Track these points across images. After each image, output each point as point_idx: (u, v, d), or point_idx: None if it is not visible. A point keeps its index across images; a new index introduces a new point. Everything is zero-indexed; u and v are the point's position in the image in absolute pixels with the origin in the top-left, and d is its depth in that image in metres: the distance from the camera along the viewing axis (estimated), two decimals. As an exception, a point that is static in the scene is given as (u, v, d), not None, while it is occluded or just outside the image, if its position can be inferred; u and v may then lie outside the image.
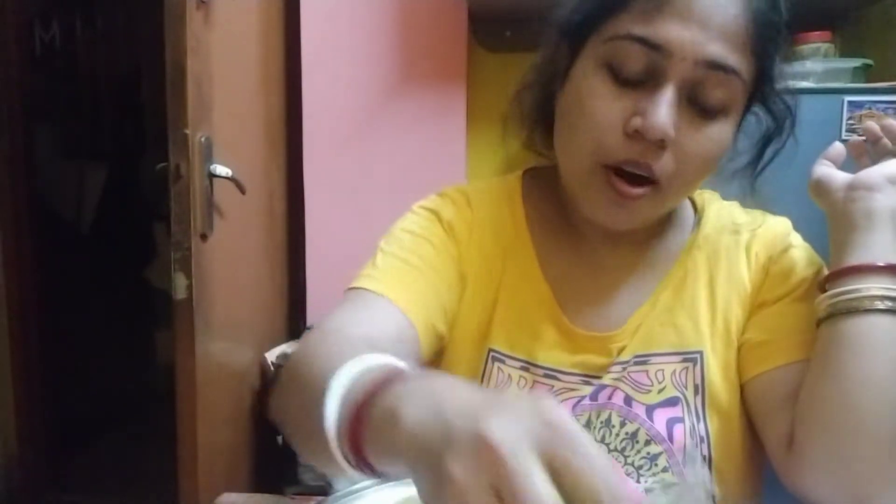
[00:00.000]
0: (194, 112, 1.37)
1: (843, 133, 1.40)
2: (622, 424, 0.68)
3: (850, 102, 1.40)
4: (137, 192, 3.14)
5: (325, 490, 1.63)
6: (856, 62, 1.52)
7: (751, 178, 0.70)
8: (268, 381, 1.83)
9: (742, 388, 0.69)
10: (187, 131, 1.35)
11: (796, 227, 0.74)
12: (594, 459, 0.30)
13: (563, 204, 0.73)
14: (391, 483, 0.58)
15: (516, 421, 0.30)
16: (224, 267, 1.56)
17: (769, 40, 0.60)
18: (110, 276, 3.02)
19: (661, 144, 0.59)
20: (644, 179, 0.61)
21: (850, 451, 0.59)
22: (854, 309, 0.60)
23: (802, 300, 0.68)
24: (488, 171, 1.97)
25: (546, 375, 0.69)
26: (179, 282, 1.39)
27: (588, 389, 0.69)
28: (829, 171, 0.67)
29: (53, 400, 2.52)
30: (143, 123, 3.27)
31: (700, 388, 0.69)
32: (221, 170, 1.46)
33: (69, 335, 2.66)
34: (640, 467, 0.67)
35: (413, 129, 1.98)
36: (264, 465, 1.85)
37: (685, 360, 0.69)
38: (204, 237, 1.44)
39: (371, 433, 0.38)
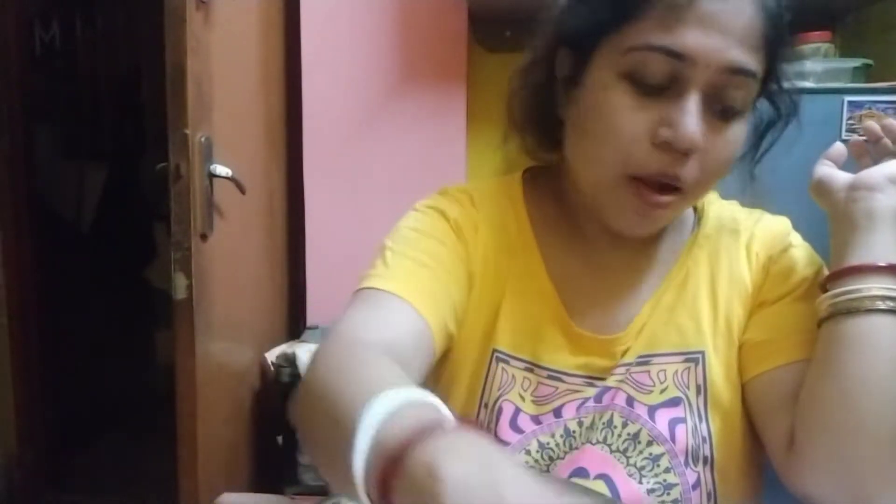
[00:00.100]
0: (194, 112, 1.37)
1: (843, 133, 1.40)
2: (624, 425, 0.68)
3: (850, 102, 1.40)
4: (137, 192, 3.14)
5: (325, 490, 1.63)
6: (856, 62, 1.52)
7: (750, 166, 0.70)
8: (268, 381, 1.83)
9: (742, 388, 0.69)
10: (187, 131, 1.35)
11: (796, 227, 0.74)
12: None
13: (566, 204, 0.73)
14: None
15: None
16: (224, 267, 1.56)
17: (779, 39, 0.60)
18: (110, 276, 3.02)
19: (688, 153, 0.59)
20: (670, 187, 0.61)
21: (851, 452, 0.59)
22: (855, 309, 0.60)
23: (803, 300, 0.68)
24: (488, 171, 1.97)
25: (550, 377, 0.69)
26: (179, 282, 1.39)
27: (592, 391, 0.69)
28: (830, 171, 0.67)
29: (53, 400, 2.52)
30: (143, 123, 3.27)
31: (702, 389, 0.68)
32: (221, 170, 1.46)
33: (69, 335, 2.66)
34: (643, 468, 0.67)
35: (413, 129, 1.98)
36: (264, 465, 1.85)
37: (687, 361, 0.69)
38: (204, 237, 1.44)
39: (405, 484, 0.37)
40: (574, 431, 0.68)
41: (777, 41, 0.60)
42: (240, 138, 1.70)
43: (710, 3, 0.56)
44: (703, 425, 0.68)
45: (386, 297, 0.63)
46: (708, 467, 0.67)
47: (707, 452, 0.67)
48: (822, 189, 0.67)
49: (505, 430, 0.68)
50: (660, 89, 0.58)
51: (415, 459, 0.36)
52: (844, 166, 0.68)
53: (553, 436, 0.68)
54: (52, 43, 2.88)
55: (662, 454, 0.67)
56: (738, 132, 0.61)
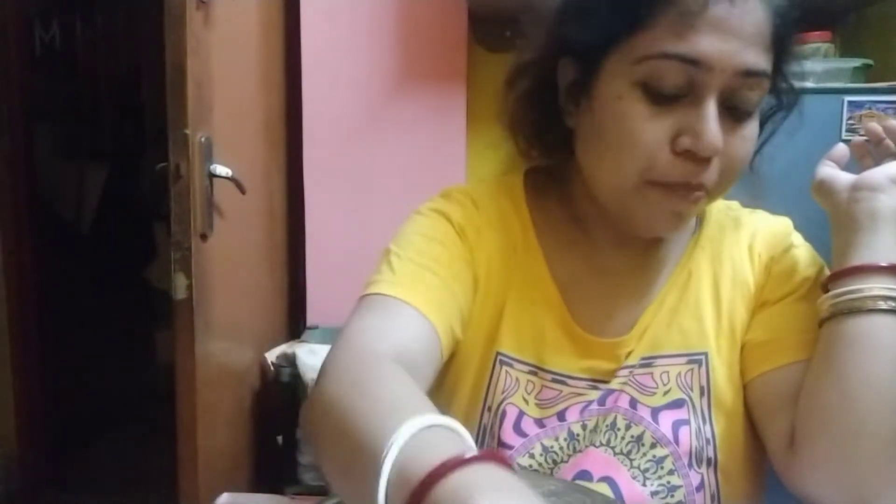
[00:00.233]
0: (194, 112, 1.37)
1: (843, 133, 1.40)
2: (627, 427, 0.68)
3: (850, 102, 1.41)
4: (137, 192, 3.14)
5: (324, 490, 1.63)
6: (856, 62, 1.52)
7: (751, 158, 0.70)
8: (268, 381, 1.83)
9: (744, 388, 0.69)
10: (187, 131, 1.35)
11: (796, 228, 0.74)
12: None
13: (570, 206, 0.73)
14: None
15: None
16: (224, 267, 1.56)
17: (787, 38, 0.60)
18: (110, 276, 3.02)
19: (710, 158, 0.59)
20: (694, 189, 0.61)
21: (851, 452, 0.59)
22: (856, 309, 0.60)
23: (804, 300, 0.68)
24: (488, 171, 1.96)
25: (554, 380, 0.69)
26: (179, 282, 1.39)
27: (596, 394, 0.69)
28: (832, 171, 0.67)
29: (53, 400, 2.52)
30: (143, 123, 3.27)
31: (705, 390, 0.68)
32: (221, 170, 1.46)
33: (69, 335, 2.66)
34: (646, 470, 0.66)
35: (413, 129, 1.98)
36: (264, 465, 1.85)
37: (690, 362, 0.69)
38: (204, 237, 1.44)
39: None
40: (578, 434, 0.68)
41: (785, 39, 0.60)
42: (240, 138, 1.70)
43: (720, 8, 0.56)
44: (707, 427, 0.67)
45: (393, 303, 0.63)
46: (712, 469, 0.67)
47: (711, 454, 0.67)
48: (824, 189, 0.67)
49: (508, 433, 0.68)
50: (675, 98, 0.58)
51: (444, 490, 0.36)
52: (846, 167, 0.68)
53: (557, 439, 0.68)
54: (52, 43, 2.88)
55: (666, 456, 0.67)
56: (752, 131, 0.62)
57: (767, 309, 0.70)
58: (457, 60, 1.95)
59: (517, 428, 0.68)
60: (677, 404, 0.68)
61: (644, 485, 0.66)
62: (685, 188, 0.60)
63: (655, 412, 0.68)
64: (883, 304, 0.60)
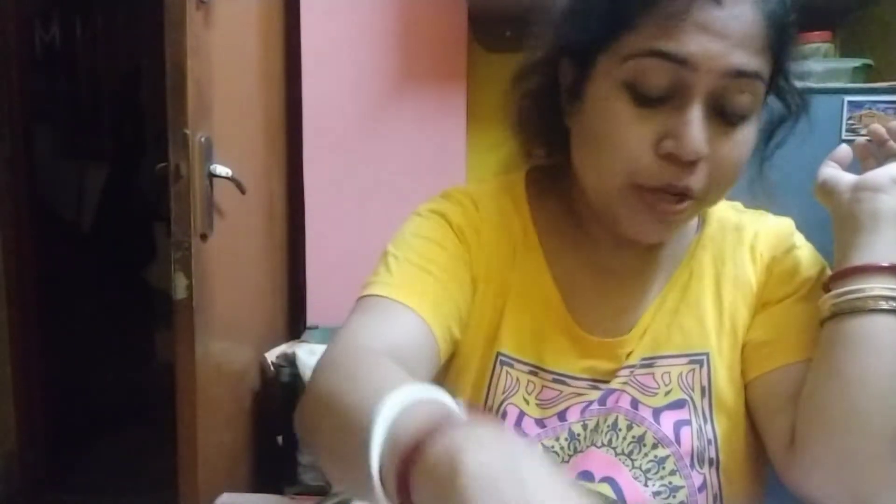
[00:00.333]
0: (194, 112, 1.37)
1: (844, 133, 1.40)
2: (629, 428, 0.68)
3: (850, 102, 1.40)
4: (137, 192, 3.15)
5: (324, 490, 1.63)
6: (856, 62, 1.51)
7: (758, 163, 0.69)
8: (268, 381, 1.83)
9: (745, 388, 0.69)
10: (187, 131, 1.35)
11: (797, 228, 0.74)
12: None
13: (571, 206, 0.73)
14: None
15: None
16: (224, 267, 1.56)
17: (783, 37, 0.60)
18: (110, 276, 3.02)
19: (694, 163, 0.58)
20: (681, 195, 0.60)
21: (852, 451, 0.59)
22: (857, 309, 0.60)
23: (806, 300, 0.68)
24: (488, 170, 1.96)
25: (555, 380, 0.69)
26: (179, 282, 1.39)
27: (596, 394, 0.69)
28: (835, 172, 0.67)
29: (53, 400, 2.52)
30: (143, 123, 3.27)
31: (707, 390, 0.68)
32: (221, 170, 1.46)
33: (69, 335, 2.66)
34: (648, 471, 0.66)
35: (413, 129, 1.98)
36: (264, 465, 1.85)
37: (692, 362, 0.69)
38: (204, 237, 1.44)
39: (424, 475, 0.37)
40: (579, 435, 0.68)
41: (782, 42, 0.60)
42: (240, 138, 1.70)
43: (707, 10, 0.56)
44: (709, 427, 0.67)
45: (390, 305, 0.63)
46: (714, 469, 0.67)
47: (713, 454, 0.67)
48: (826, 190, 0.67)
49: None
50: (662, 98, 0.58)
51: (434, 450, 0.36)
52: (849, 168, 0.68)
53: (558, 439, 0.68)
54: (52, 43, 2.88)
55: (668, 456, 0.67)
56: (746, 135, 0.61)
57: (769, 309, 0.70)
58: (457, 60, 1.95)
59: (518, 428, 0.68)
60: (679, 405, 0.68)
61: (646, 485, 0.66)
62: (671, 193, 0.60)
63: (657, 412, 0.68)
64: (884, 304, 0.60)
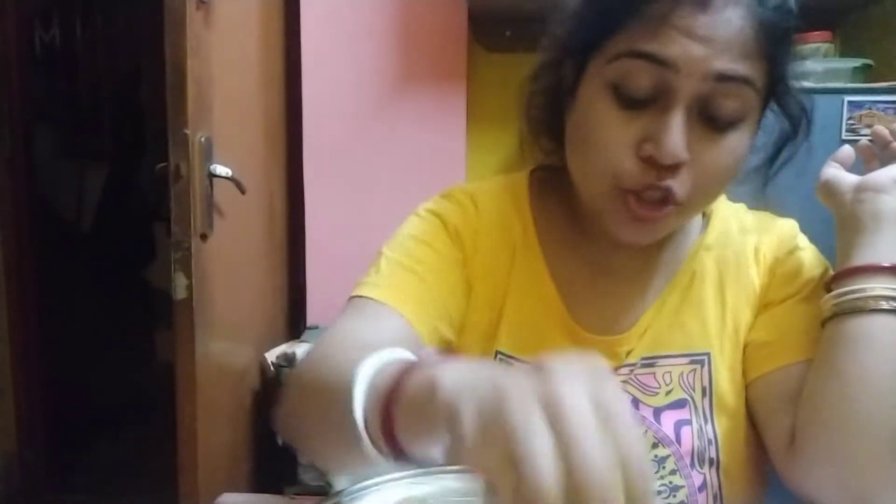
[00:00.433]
0: (194, 112, 1.37)
1: (844, 133, 1.40)
2: None
3: (850, 102, 1.40)
4: (137, 192, 3.15)
5: (325, 490, 1.63)
6: (856, 62, 1.52)
7: (763, 179, 0.69)
8: (268, 381, 1.83)
9: (746, 388, 0.69)
10: (187, 131, 1.35)
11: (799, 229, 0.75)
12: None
13: (573, 206, 0.73)
14: (392, 483, 0.58)
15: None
16: (224, 267, 1.56)
17: (779, 43, 0.59)
18: (110, 275, 3.02)
19: (676, 167, 0.58)
20: (665, 200, 0.60)
21: (852, 451, 0.59)
22: (858, 309, 0.60)
23: (808, 301, 0.68)
24: (488, 170, 1.97)
25: None
26: (179, 282, 1.39)
27: None
28: (837, 172, 0.67)
29: (53, 400, 2.52)
30: (143, 123, 3.27)
31: (708, 390, 0.68)
32: (221, 170, 1.46)
33: (69, 335, 2.66)
34: None
35: (413, 129, 1.98)
36: (264, 465, 1.85)
37: (693, 362, 0.69)
38: (204, 237, 1.44)
39: (405, 405, 0.40)
40: None
41: (777, 45, 0.59)
42: (240, 138, 1.70)
43: (692, 15, 0.56)
44: (709, 427, 0.68)
45: (376, 306, 0.64)
46: (714, 469, 0.67)
47: (713, 454, 0.67)
48: (828, 190, 0.67)
49: None
50: (645, 101, 0.58)
51: (412, 383, 0.40)
52: (851, 169, 0.68)
53: None
54: (52, 43, 2.88)
55: (668, 456, 0.67)
56: (735, 141, 0.60)
57: (771, 310, 0.70)
58: (457, 60, 1.95)
59: None
60: (679, 404, 0.68)
61: (646, 485, 0.66)
62: (654, 192, 0.59)
63: (657, 412, 0.68)
64: (885, 305, 0.60)
